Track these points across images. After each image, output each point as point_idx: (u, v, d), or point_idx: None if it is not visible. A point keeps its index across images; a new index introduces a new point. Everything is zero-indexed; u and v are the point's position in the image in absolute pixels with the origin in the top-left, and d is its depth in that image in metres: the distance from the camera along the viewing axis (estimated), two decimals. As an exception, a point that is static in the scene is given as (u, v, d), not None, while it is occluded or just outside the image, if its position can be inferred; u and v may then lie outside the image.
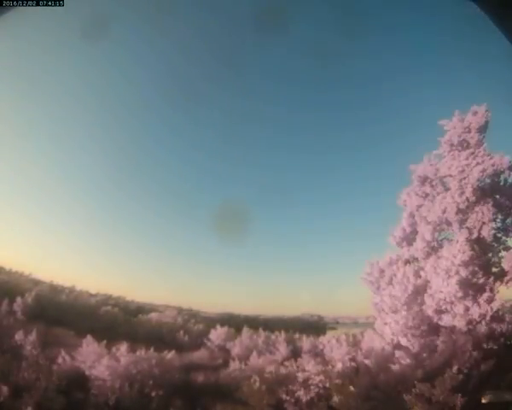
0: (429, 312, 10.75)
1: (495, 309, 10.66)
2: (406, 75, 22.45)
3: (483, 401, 10.49)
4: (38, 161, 25.72)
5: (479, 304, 10.46)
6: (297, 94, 25.68)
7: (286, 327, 26.87)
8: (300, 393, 15.40)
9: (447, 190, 13.38)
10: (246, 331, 24.50)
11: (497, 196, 13.01)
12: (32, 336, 14.59)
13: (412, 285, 11.09)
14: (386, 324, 11.62)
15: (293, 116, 25.74)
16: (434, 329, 10.80)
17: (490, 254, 12.69)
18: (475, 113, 13.58)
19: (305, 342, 23.88)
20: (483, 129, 13.42)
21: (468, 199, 12.78)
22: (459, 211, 12.85)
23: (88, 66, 22.14)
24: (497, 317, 10.86)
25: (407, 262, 12.79)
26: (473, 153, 13.06)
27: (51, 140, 24.69)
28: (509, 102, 13.92)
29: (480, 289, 11.00)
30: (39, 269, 24.47)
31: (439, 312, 10.79)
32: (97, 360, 15.49)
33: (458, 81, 20.40)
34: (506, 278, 12.37)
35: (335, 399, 11.51)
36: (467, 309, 10.42)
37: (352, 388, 11.48)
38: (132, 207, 29.90)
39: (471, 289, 10.77)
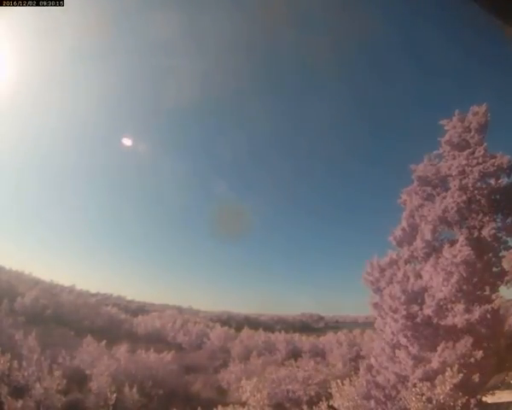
0: (429, 311, 10.72)
1: (495, 309, 10.64)
2: (406, 75, 22.45)
3: (483, 401, 10.50)
4: (39, 161, 25.77)
5: (479, 304, 10.44)
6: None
7: (286, 327, 26.93)
8: (300, 393, 15.44)
9: (447, 190, 13.37)
10: (246, 331, 24.55)
11: (498, 196, 13.00)
12: (32, 336, 14.59)
13: (412, 285, 11.07)
14: (386, 323, 11.60)
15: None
16: (434, 329, 10.78)
17: (490, 254, 12.66)
18: (476, 113, 13.57)
19: (305, 342, 23.95)
20: (483, 129, 13.41)
21: (468, 199, 12.78)
22: (459, 211, 12.84)
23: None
24: (497, 316, 10.85)
25: (407, 262, 12.77)
26: (473, 153, 13.05)
27: (50, 138, 24.70)
28: (510, 101, 13.94)
29: (480, 289, 10.99)
30: (39, 269, 24.50)
31: (439, 311, 10.77)
32: (97, 360, 15.51)
33: (458, 81, 20.40)
34: (506, 278, 12.36)
35: (335, 399, 11.49)
36: (467, 309, 10.40)
37: (352, 387, 11.47)
38: (132, 208, 29.95)
39: (471, 288, 10.75)
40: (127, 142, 24.18)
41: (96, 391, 13.83)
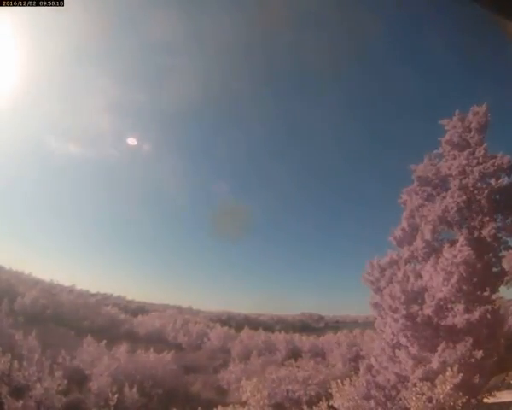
0: (429, 311, 10.73)
1: (495, 309, 10.64)
2: (406, 75, 22.41)
3: (483, 401, 10.50)
4: (39, 161, 25.75)
5: (479, 304, 10.45)
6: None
7: (286, 327, 26.94)
8: (300, 393, 15.45)
9: (447, 190, 13.37)
10: (246, 331, 24.55)
11: (498, 196, 13.00)
12: (33, 336, 14.60)
13: (412, 285, 11.08)
14: (386, 323, 11.61)
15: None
16: (434, 329, 10.78)
17: (490, 254, 12.67)
18: (476, 113, 13.57)
19: (305, 342, 23.95)
20: (483, 129, 13.41)
21: (468, 199, 12.79)
22: (459, 211, 12.85)
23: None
24: (497, 317, 10.85)
25: (407, 262, 12.78)
26: (473, 153, 13.06)
27: (50, 138, 24.71)
28: (510, 101, 13.94)
29: (480, 289, 10.98)
30: (39, 269, 24.46)
31: (439, 311, 10.77)
32: (97, 360, 15.52)
33: (458, 81, 20.41)
34: (506, 278, 12.37)
35: (335, 399, 11.49)
36: (467, 309, 10.41)
37: (352, 387, 11.47)
38: (132, 208, 29.89)
39: (471, 288, 10.75)
40: (126, 142, 24.17)
41: (96, 391, 13.86)
